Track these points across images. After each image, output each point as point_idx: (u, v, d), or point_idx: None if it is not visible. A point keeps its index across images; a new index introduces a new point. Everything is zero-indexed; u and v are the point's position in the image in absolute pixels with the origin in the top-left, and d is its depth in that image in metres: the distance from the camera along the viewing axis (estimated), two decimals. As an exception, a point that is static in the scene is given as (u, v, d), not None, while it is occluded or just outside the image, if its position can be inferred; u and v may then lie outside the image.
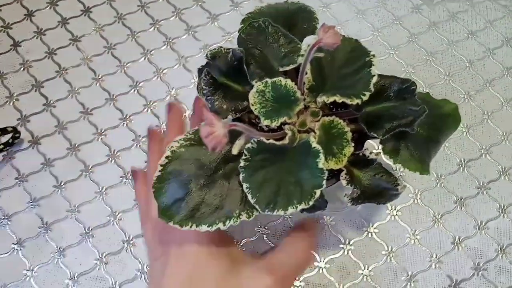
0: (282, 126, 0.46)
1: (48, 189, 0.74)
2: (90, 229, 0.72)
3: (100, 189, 0.74)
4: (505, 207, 0.74)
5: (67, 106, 0.80)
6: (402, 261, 0.70)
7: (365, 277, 0.70)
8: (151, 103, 0.80)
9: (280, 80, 0.45)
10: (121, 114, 0.79)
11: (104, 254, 0.70)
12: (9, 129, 0.75)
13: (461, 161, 0.77)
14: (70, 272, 0.69)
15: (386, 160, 0.48)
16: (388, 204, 0.73)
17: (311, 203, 0.42)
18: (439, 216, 0.73)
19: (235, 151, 0.42)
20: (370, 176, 0.49)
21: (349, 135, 0.45)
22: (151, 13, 0.88)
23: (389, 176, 0.48)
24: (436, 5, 0.90)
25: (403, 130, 0.46)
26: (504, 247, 0.72)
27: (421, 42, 0.86)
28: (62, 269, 0.69)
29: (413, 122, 0.45)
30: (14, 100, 0.80)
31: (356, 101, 0.45)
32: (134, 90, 0.81)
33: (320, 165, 0.42)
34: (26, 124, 0.78)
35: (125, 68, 0.83)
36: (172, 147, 0.45)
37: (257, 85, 0.45)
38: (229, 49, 0.49)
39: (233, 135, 0.41)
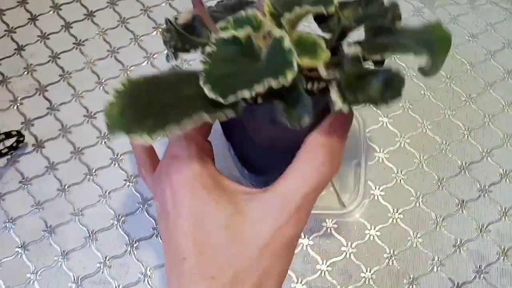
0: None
1: (52, 192, 0.74)
2: (93, 233, 0.72)
3: (104, 193, 0.75)
4: (506, 210, 0.74)
5: (71, 110, 0.80)
6: (404, 264, 0.71)
7: (367, 280, 0.70)
8: (154, 107, 0.80)
9: (241, 13, 0.41)
10: (124, 117, 0.80)
11: (107, 258, 0.71)
12: (13, 133, 0.76)
13: (462, 164, 0.77)
14: (74, 276, 0.70)
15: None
16: (390, 207, 0.74)
17: (282, 80, 0.36)
18: (441, 219, 0.73)
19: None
20: (355, 68, 0.40)
21: (323, 42, 0.39)
22: (154, 17, 0.89)
23: (380, 64, 0.42)
24: (437, 8, 0.90)
25: (382, 28, 0.41)
26: (506, 250, 0.72)
27: (423, 45, 0.87)
28: (66, 272, 0.70)
29: (388, 14, 0.42)
30: (18, 104, 0.81)
31: (325, 9, 0.40)
32: (137, 94, 0.82)
33: (286, 45, 0.37)
34: (30, 128, 0.79)
35: (128, 72, 0.83)
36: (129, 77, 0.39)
37: (219, 23, 0.41)
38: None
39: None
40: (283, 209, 0.41)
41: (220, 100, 0.36)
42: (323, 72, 0.39)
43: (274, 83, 0.35)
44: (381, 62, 0.42)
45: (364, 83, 0.39)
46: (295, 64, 0.36)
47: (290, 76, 0.36)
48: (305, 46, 0.39)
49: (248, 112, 0.39)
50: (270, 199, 0.41)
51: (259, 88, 0.35)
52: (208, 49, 0.39)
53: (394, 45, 0.39)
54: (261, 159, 0.55)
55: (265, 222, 0.41)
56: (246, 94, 0.36)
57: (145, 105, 0.38)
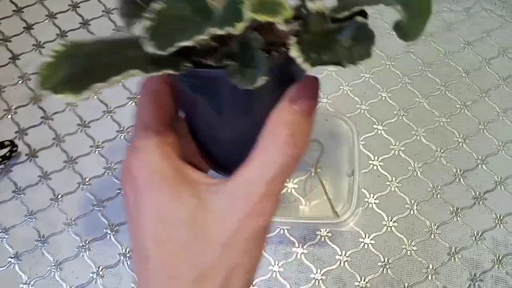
0: None
1: (45, 202, 0.74)
2: (86, 242, 0.72)
3: (97, 202, 0.74)
4: (501, 218, 0.74)
5: (65, 119, 0.80)
6: (398, 273, 0.71)
7: (361, 288, 0.70)
8: (148, 116, 0.80)
9: None
10: (118, 126, 0.80)
11: (100, 268, 0.70)
12: (7, 143, 0.75)
13: (457, 171, 0.77)
14: (66, 286, 0.69)
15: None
16: (384, 215, 0.73)
17: (228, 29, 0.31)
18: (435, 227, 0.73)
19: None
20: (319, 25, 0.35)
21: (286, 2, 0.33)
22: (148, 26, 0.89)
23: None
24: (432, 16, 0.90)
25: None
26: (500, 258, 0.72)
27: (417, 52, 0.87)
28: (59, 282, 0.70)
29: None
30: (12, 113, 0.81)
31: None
32: (132, 102, 0.82)
33: None
34: (24, 137, 0.79)
35: (123, 81, 0.83)
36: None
37: None
38: None
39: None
40: (246, 199, 0.37)
41: (158, 52, 0.32)
42: (281, 26, 0.35)
43: (218, 31, 0.31)
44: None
45: (330, 40, 0.34)
46: (245, 15, 0.31)
47: (239, 26, 0.31)
48: (266, 5, 0.33)
49: (199, 80, 0.36)
50: (232, 189, 0.38)
51: (200, 37, 0.31)
52: (156, 5, 0.34)
53: None
54: (229, 156, 0.52)
55: (228, 217, 0.38)
56: (186, 43, 0.31)
57: (79, 66, 0.34)
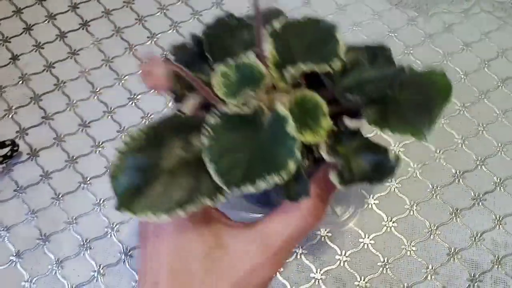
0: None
1: (46, 201, 0.74)
2: (88, 241, 0.72)
3: (98, 201, 0.75)
4: (500, 218, 0.74)
5: (66, 119, 0.80)
6: (398, 273, 0.71)
7: (361, 288, 0.70)
8: (148, 116, 0.81)
9: (242, 60, 0.43)
10: (119, 126, 0.80)
11: (101, 266, 0.71)
12: (8, 142, 0.76)
13: (456, 172, 0.77)
14: (68, 284, 0.69)
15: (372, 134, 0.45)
16: (384, 216, 0.74)
17: (285, 176, 0.37)
18: (435, 228, 0.73)
19: (187, 109, 0.40)
20: (356, 151, 0.42)
21: (325, 106, 0.41)
22: (149, 27, 0.89)
23: (377, 146, 0.42)
24: (432, 17, 0.91)
25: (385, 96, 0.42)
26: (500, 259, 0.72)
27: (417, 54, 0.87)
28: (60, 280, 0.70)
29: (394, 82, 0.42)
30: (12, 113, 0.81)
31: (326, 68, 0.42)
32: (132, 103, 0.82)
33: (289, 130, 0.38)
34: (25, 137, 0.79)
35: (123, 81, 0.84)
36: (131, 132, 0.41)
37: (220, 67, 0.43)
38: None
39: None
40: (262, 250, 0.42)
41: (225, 189, 0.38)
42: (325, 156, 0.41)
43: (277, 180, 0.37)
44: None
45: (362, 162, 0.41)
46: (298, 155, 0.37)
47: (292, 168, 0.37)
48: (307, 110, 0.41)
49: None
50: (252, 237, 0.42)
51: (263, 185, 0.37)
52: (211, 120, 0.40)
53: (394, 125, 0.42)
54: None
55: (242, 259, 0.41)
56: (250, 189, 0.37)
57: (145, 177, 0.40)
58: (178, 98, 0.46)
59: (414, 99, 0.44)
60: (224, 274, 0.41)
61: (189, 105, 0.39)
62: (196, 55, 0.47)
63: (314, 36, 0.46)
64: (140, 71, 0.34)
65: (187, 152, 0.41)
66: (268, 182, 0.37)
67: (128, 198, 0.39)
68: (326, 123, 0.41)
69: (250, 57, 0.43)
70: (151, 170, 0.40)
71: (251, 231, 0.42)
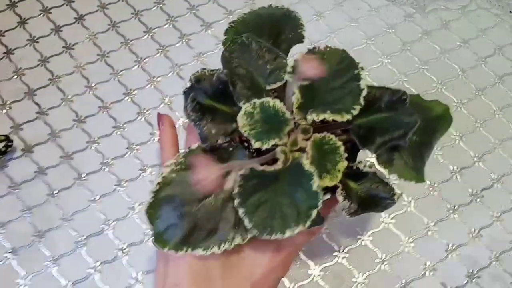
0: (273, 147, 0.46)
1: (41, 197, 0.74)
2: (83, 238, 0.71)
3: (94, 197, 0.74)
4: (498, 215, 0.74)
5: (60, 114, 0.80)
6: (396, 269, 0.71)
7: (359, 285, 0.70)
8: (144, 111, 0.80)
9: (268, 101, 0.45)
10: (114, 122, 0.79)
11: (98, 263, 0.70)
12: (2, 137, 0.75)
13: (454, 169, 0.77)
14: (63, 281, 0.69)
15: (380, 170, 0.48)
16: (382, 213, 0.74)
17: (308, 224, 0.41)
18: (433, 224, 0.73)
19: (228, 186, 0.42)
20: (366, 188, 0.47)
21: (342, 149, 0.44)
22: (145, 21, 0.88)
23: (385, 185, 0.47)
24: (429, 14, 0.91)
25: (397, 144, 0.45)
26: (497, 255, 0.72)
27: (414, 50, 0.87)
28: (56, 278, 0.69)
29: (406, 135, 0.45)
30: (7, 108, 0.80)
31: (346, 117, 0.44)
32: (128, 98, 0.81)
33: (315, 187, 0.41)
34: (19, 132, 0.78)
35: (119, 76, 0.83)
36: (163, 173, 0.44)
37: (245, 107, 0.45)
38: (213, 70, 0.48)
39: (223, 155, 0.43)
40: (276, 253, 0.46)
41: (257, 236, 0.43)
42: (340, 199, 0.45)
43: (302, 228, 0.41)
44: None
45: (370, 199, 0.47)
46: (321, 204, 0.41)
47: (315, 215, 0.41)
48: (325, 153, 0.44)
49: None
50: (266, 242, 0.44)
51: (290, 234, 0.41)
52: (242, 171, 0.43)
53: (400, 170, 0.48)
54: None
55: (258, 264, 0.46)
56: (279, 237, 0.42)
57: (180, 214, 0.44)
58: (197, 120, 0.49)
59: (419, 138, 0.49)
60: (242, 279, 0.45)
61: (230, 182, 0.44)
62: (218, 88, 0.48)
63: (336, 71, 0.48)
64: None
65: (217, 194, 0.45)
66: (293, 231, 0.41)
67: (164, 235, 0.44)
68: (342, 165, 0.44)
69: (275, 102, 0.45)
70: (184, 208, 0.44)
71: (259, 240, 0.44)
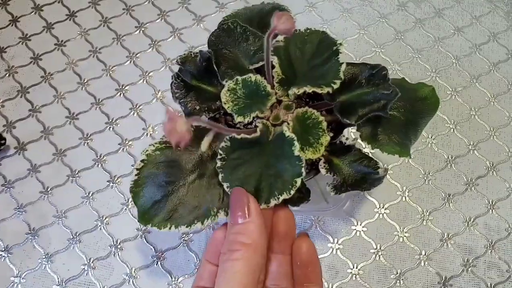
0: (255, 121, 0.47)
1: (35, 195, 0.74)
2: (77, 234, 0.71)
3: (87, 194, 0.74)
4: (493, 203, 0.74)
5: (53, 112, 0.80)
6: (391, 259, 0.70)
7: (354, 276, 0.69)
8: (137, 107, 0.80)
9: (250, 77, 0.46)
10: (107, 118, 0.79)
11: (91, 259, 0.70)
12: (-5, 136, 0.75)
13: (448, 157, 0.77)
14: (58, 278, 0.69)
15: (364, 146, 0.48)
16: (376, 202, 0.73)
17: (292, 192, 0.41)
18: (427, 213, 0.73)
19: (203, 147, 0.42)
20: (349, 163, 0.48)
21: (324, 124, 0.45)
22: (136, 16, 0.88)
23: (369, 160, 0.48)
24: (422, 2, 0.90)
25: (378, 115, 0.46)
26: (493, 243, 0.71)
27: (407, 39, 0.86)
28: (50, 275, 0.69)
29: (386, 106, 0.45)
30: (-1, 107, 0.80)
31: (326, 90, 0.44)
32: (120, 94, 0.81)
33: (296, 153, 0.42)
34: (12, 130, 0.78)
35: (111, 72, 0.83)
36: (147, 150, 0.45)
37: (228, 83, 0.46)
38: (197, 53, 0.50)
39: (203, 133, 0.42)
40: None
41: None
42: (322, 171, 0.47)
43: (286, 196, 0.42)
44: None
45: (354, 174, 0.48)
46: (304, 173, 0.41)
47: (299, 184, 0.41)
48: (308, 127, 0.45)
49: None
50: None
51: (274, 203, 0.42)
52: (223, 144, 0.43)
53: (383, 144, 0.47)
54: None
55: None
56: (263, 207, 0.42)
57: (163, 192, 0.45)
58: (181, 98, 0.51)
59: (404, 116, 0.49)
60: None
61: (205, 142, 0.41)
62: (204, 67, 0.50)
63: (317, 50, 0.49)
64: (165, 129, 0.37)
65: (201, 170, 0.45)
66: (278, 200, 0.41)
67: (148, 213, 0.44)
68: (325, 139, 0.44)
69: (257, 77, 0.46)
70: (168, 186, 0.44)
71: None
